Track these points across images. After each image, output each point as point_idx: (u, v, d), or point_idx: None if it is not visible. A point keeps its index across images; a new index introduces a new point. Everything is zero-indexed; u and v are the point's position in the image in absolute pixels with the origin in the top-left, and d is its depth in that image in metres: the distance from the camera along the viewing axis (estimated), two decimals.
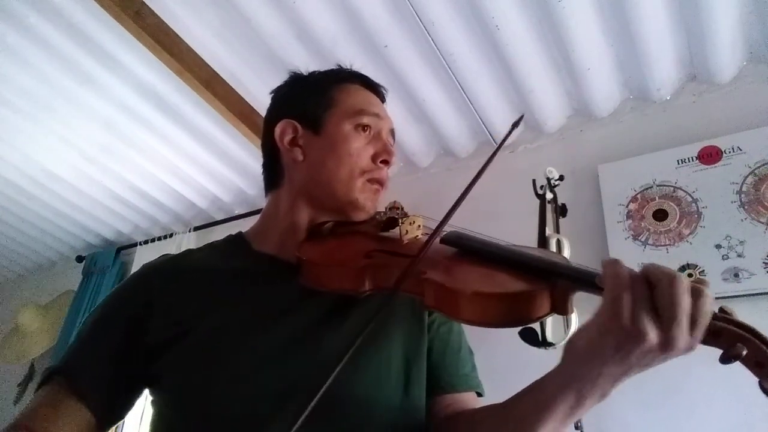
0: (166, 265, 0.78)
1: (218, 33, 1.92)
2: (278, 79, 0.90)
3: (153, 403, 0.71)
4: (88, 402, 0.65)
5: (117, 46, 1.98)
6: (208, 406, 0.63)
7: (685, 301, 0.45)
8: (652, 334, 0.45)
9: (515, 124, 0.78)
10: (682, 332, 0.45)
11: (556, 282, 0.56)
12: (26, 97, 2.26)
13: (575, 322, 1.34)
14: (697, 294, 0.46)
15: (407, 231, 0.72)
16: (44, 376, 0.68)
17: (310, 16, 1.77)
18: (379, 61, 1.87)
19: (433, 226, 0.65)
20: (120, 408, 0.70)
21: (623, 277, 0.47)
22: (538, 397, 0.57)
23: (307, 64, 0.88)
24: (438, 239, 0.69)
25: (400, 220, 0.74)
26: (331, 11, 1.76)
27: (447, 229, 0.72)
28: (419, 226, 0.74)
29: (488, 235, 0.71)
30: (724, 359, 0.46)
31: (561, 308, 0.56)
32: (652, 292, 0.47)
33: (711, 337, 0.48)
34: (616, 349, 0.47)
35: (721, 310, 0.50)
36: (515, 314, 0.55)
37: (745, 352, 0.45)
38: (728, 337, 0.47)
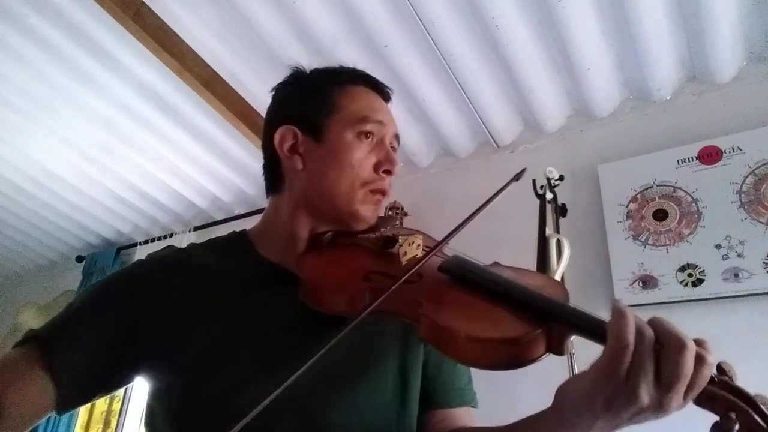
0: (169, 259, 0.76)
1: (218, 33, 1.92)
2: (278, 79, 0.88)
3: (148, 406, 0.69)
4: (58, 379, 0.62)
5: (117, 46, 1.99)
6: (204, 418, 0.62)
7: (689, 371, 0.44)
8: (646, 399, 0.45)
9: (517, 177, 0.74)
10: (677, 398, 0.45)
11: (553, 325, 0.54)
12: (26, 97, 2.26)
13: None
14: (699, 361, 0.45)
15: (406, 252, 0.69)
16: (23, 339, 0.65)
17: (310, 16, 1.77)
18: (379, 61, 1.88)
19: (433, 244, 0.64)
20: (86, 394, 0.66)
21: (627, 336, 0.45)
22: None
23: (307, 65, 0.87)
24: (436, 266, 0.67)
25: (398, 239, 0.72)
26: (331, 11, 1.76)
27: (449, 248, 0.70)
28: (418, 245, 0.71)
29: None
30: (716, 431, 0.46)
31: (557, 350, 0.55)
32: (657, 353, 0.45)
33: (706, 401, 0.47)
34: (607, 405, 0.46)
35: (720, 369, 0.49)
36: (510, 358, 0.54)
37: (737, 427, 0.45)
38: (722, 403, 0.46)
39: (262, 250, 0.78)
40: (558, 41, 1.75)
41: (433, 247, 0.61)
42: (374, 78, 0.83)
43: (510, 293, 0.60)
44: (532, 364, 0.54)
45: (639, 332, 0.46)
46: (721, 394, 0.46)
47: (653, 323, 0.47)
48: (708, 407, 0.47)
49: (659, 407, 0.45)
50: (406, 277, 0.58)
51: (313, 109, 0.77)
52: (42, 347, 0.63)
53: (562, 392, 0.52)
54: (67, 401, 0.63)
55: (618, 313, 0.47)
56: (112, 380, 0.68)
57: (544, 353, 0.54)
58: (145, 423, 0.69)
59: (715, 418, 0.46)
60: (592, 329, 0.50)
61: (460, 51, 1.81)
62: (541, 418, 0.56)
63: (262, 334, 0.67)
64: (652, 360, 0.45)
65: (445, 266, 0.67)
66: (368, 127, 0.76)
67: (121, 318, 0.67)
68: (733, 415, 0.45)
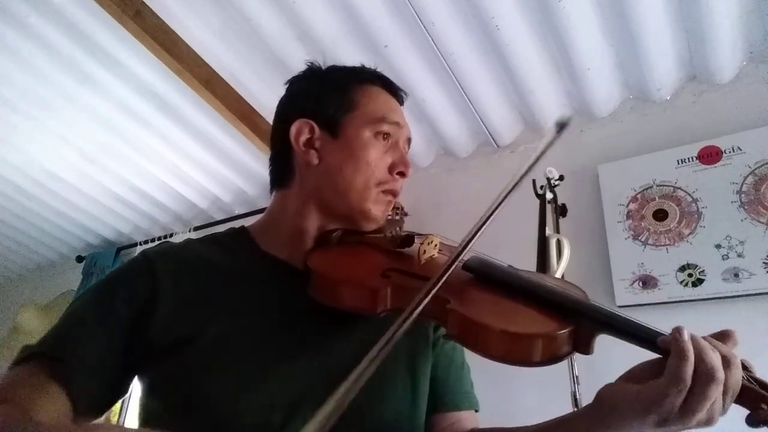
0: (170, 254, 0.73)
1: (218, 33, 1.92)
2: (278, 79, 0.88)
3: (145, 406, 0.67)
4: (73, 391, 0.59)
5: (117, 46, 1.98)
6: (216, 416, 0.61)
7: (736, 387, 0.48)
8: (699, 417, 0.48)
9: (560, 125, 0.73)
10: (719, 409, 0.48)
11: (582, 323, 0.55)
12: (26, 96, 2.26)
13: None
14: (728, 365, 0.48)
15: (425, 251, 0.69)
16: (24, 355, 0.61)
17: (310, 16, 1.77)
18: (379, 61, 1.87)
19: (449, 245, 0.63)
20: (102, 405, 0.64)
21: (687, 377, 0.47)
22: None
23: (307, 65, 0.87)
24: (460, 264, 0.66)
25: (416, 238, 0.72)
26: (331, 11, 1.76)
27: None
28: (436, 245, 0.71)
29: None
30: (753, 423, 0.48)
31: (584, 348, 0.55)
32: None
33: (736, 397, 0.49)
34: (660, 423, 0.49)
35: (742, 365, 0.50)
36: (541, 354, 0.54)
37: None
38: (752, 397, 0.49)
39: (264, 246, 0.77)
40: (558, 41, 1.75)
41: (464, 244, 0.59)
42: (391, 80, 0.83)
43: (537, 292, 0.60)
44: (560, 362, 0.55)
45: (699, 358, 0.48)
46: (750, 388, 0.49)
47: (705, 352, 0.48)
48: (738, 402, 0.49)
49: (709, 421, 0.49)
50: (450, 270, 0.55)
51: (332, 104, 0.77)
52: (51, 363, 0.60)
53: (607, 399, 0.53)
54: (82, 414, 0.60)
55: (679, 354, 0.48)
56: (124, 387, 0.67)
57: (572, 351, 0.55)
58: (143, 423, 0.67)
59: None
60: (623, 328, 0.52)
61: (460, 51, 1.81)
62: (580, 417, 0.57)
63: (271, 330, 0.67)
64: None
65: (470, 265, 0.67)
66: (386, 127, 0.76)
67: (127, 318, 0.65)
68: (765, 407, 0.47)
